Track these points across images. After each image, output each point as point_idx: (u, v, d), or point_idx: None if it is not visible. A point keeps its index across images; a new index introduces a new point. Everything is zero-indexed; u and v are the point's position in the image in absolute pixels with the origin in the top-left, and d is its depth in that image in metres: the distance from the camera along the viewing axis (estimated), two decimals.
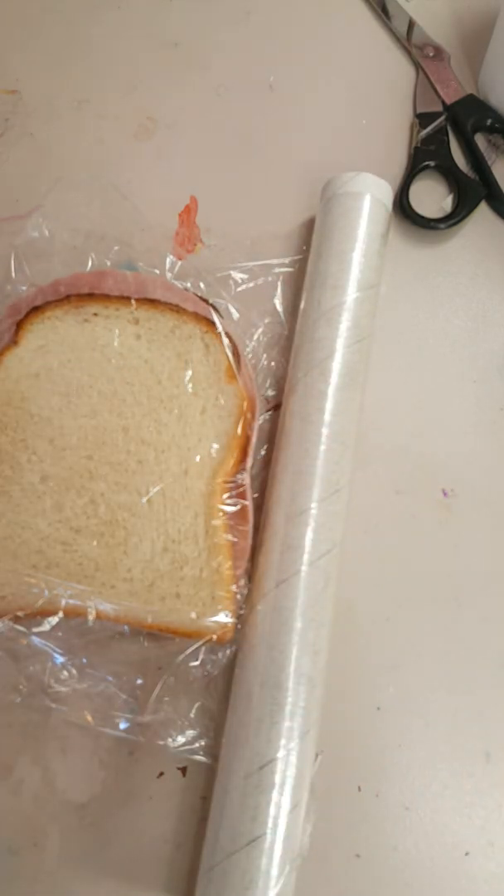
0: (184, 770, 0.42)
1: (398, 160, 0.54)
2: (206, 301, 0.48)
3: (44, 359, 0.46)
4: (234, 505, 0.44)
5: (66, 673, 0.42)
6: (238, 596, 0.42)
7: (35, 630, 0.42)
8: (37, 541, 0.43)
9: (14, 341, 0.46)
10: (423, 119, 0.54)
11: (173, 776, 0.42)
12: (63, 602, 0.42)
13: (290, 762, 0.38)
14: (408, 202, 0.52)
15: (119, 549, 0.43)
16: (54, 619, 0.42)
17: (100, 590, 0.42)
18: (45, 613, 0.42)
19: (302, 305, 0.48)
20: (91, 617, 0.41)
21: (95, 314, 0.46)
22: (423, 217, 0.51)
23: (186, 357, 0.46)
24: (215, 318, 0.47)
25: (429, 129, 0.54)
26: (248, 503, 0.44)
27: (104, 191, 0.51)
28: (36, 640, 0.42)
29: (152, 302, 0.47)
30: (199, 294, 0.48)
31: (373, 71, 0.57)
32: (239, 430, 0.45)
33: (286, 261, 0.51)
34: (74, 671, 0.42)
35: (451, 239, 0.53)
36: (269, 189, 0.54)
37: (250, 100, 0.56)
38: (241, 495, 0.44)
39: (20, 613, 0.42)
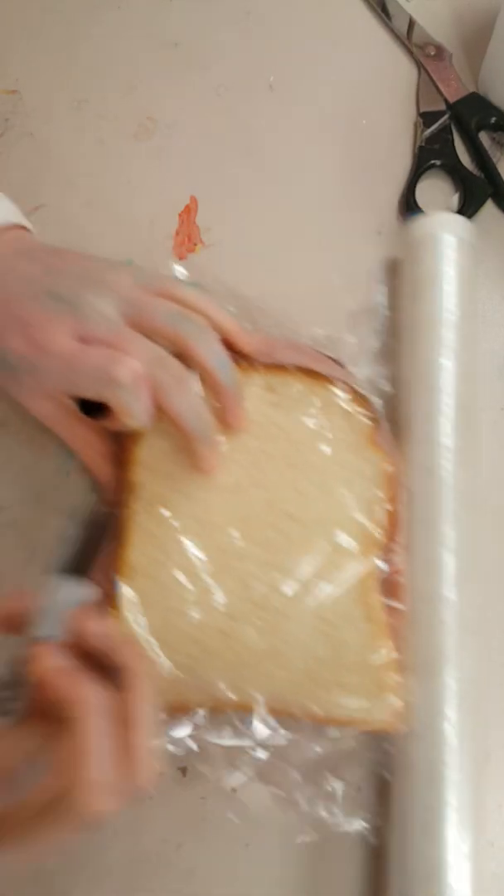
0: (184, 770, 0.42)
1: (401, 159, 0.54)
2: (336, 361, 0.46)
3: (175, 437, 0.43)
4: (390, 583, 0.42)
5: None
6: (403, 680, 0.40)
7: (192, 724, 0.40)
8: (192, 629, 0.40)
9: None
10: (426, 118, 0.54)
11: (173, 776, 0.42)
12: (225, 695, 0.39)
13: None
14: (414, 201, 0.52)
15: (276, 635, 0.40)
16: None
17: (261, 680, 0.40)
18: (209, 708, 0.40)
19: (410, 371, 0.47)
20: (259, 710, 0.39)
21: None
22: None
23: (324, 423, 0.44)
24: (351, 380, 0.44)
25: (433, 127, 0.54)
26: (404, 580, 0.42)
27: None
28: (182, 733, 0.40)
29: (282, 367, 0.44)
30: (328, 354, 0.46)
31: (373, 71, 0.57)
32: (388, 501, 0.43)
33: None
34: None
35: None
36: (270, 191, 0.53)
37: (250, 100, 0.56)
38: (396, 572, 0.42)
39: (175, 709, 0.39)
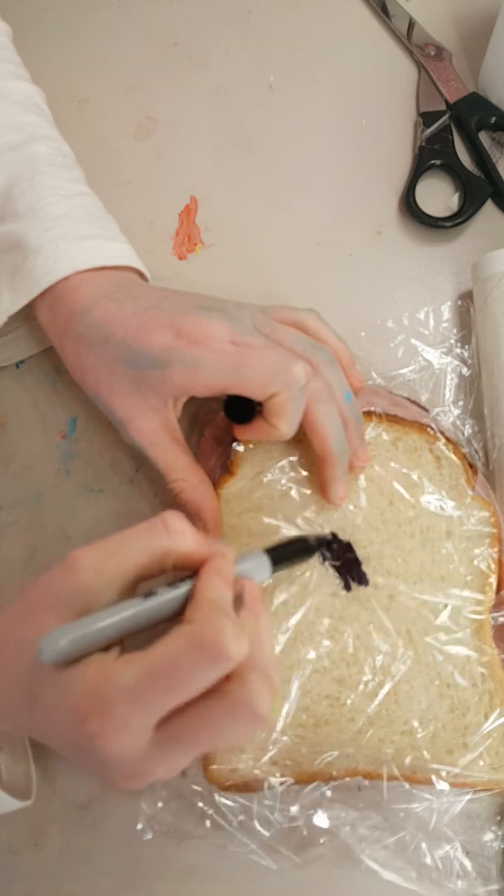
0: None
1: (402, 159, 0.54)
2: (419, 405, 0.45)
3: (263, 488, 0.42)
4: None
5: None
6: None
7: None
8: (302, 697, 0.39)
9: (230, 471, 0.42)
10: (426, 118, 0.54)
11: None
12: (343, 764, 0.38)
13: None
14: (414, 201, 0.52)
15: (389, 699, 0.39)
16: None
17: (378, 746, 0.39)
18: (322, 779, 0.39)
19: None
20: (392, 778, 0.38)
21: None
22: (429, 216, 0.51)
23: (416, 472, 0.42)
24: (439, 425, 0.43)
25: (433, 127, 0.53)
26: None
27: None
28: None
29: (367, 413, 0.43)
30: (407, 397, 0.45)
31: (373, 71, 0.56)
32: (494, 550, 0.41)
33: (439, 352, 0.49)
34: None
35: (458, 237, 0.52)
36: (270, 191, 0.53)
37: (250, 100, 0.56)
38: None
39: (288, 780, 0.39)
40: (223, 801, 0.40)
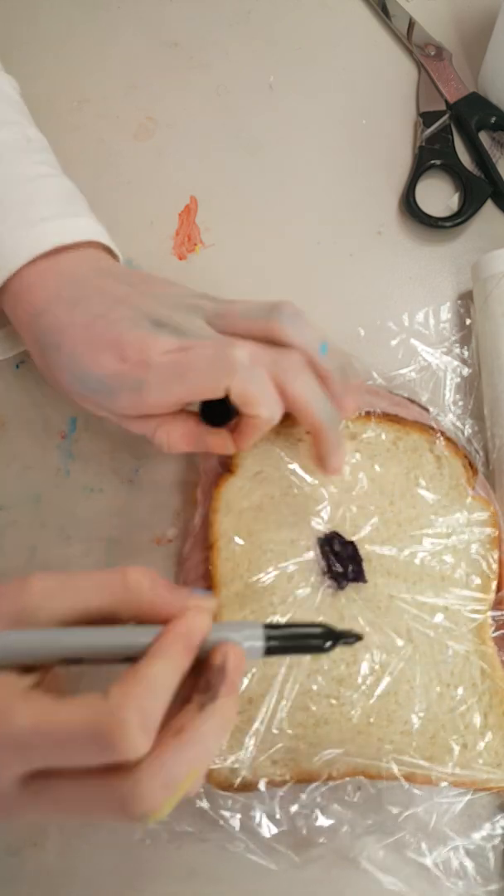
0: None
1: (402, 159, 0.54)
2: (420, 405, 0.45)
3: (263, 487, 0.42)
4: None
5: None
6: None
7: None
8: (301, 697, 0.39)
9: (230, 470, 0.42)
10: (426, 118, 0.54)
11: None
12: (342, 764, 0.38)
13: None
14: (414, 201, 0.52)
15: (389, 698, 0.39)
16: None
17: (377, 746, 0.38)
18: (322, 778, 0.39)
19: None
20: (391, 778, 0.38)
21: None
22: (429, 216, 0.51)
23: (416, 472, 0.42)
24: (440, 425, 0.43)
25: (433, 127, 0.53)
26: None
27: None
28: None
29: (367, 413, 0.42)
30: (407, 396, 0.45)
31: (373, 71, 0.56)
32: (494, 551, 0.41)
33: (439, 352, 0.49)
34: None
35: (458, 237, 0.52)
36: (270, 191, 0.53)
37: (250, 100, 0.56)
38: None
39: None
40: (223, 801, 0.40)
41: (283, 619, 0.40)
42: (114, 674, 0.29)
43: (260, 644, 0.32)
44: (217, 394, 0.37)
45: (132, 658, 0.30)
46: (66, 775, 0.29)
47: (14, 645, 0.30)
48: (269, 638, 0.32)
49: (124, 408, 0.39)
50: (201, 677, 0.31)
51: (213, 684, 0.30)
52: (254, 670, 0.40)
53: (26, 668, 0.30)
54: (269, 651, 0.32)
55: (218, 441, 0.40)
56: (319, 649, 0.33)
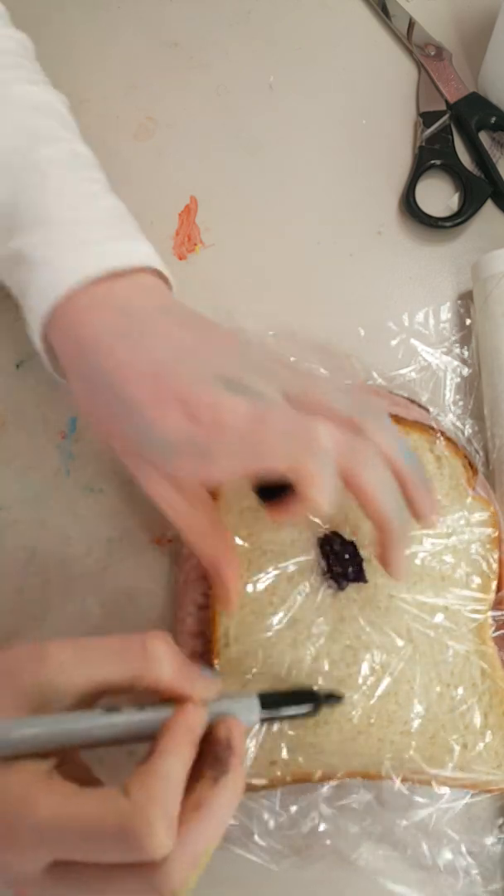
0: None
1: (402, 159, 0.54)
2: (421, 405, 0.44)
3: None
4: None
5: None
6: None
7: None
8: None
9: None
10: (426, 118, 0.54)
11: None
12: (342, 765, 0.38)
13: None
14: (414, 201, 0.52)
15: (389, 699, 0.39)
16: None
17: (378, 746, 0.38)
18: (322, 779, 0.38)
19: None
20: (391, 779, 0.38)
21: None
22: (429, 216, 0.51)
23: None
24: (440, 425, 0.43)
25: (433, 127, 0.53)
26: None
27: None
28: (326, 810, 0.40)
29: None
30: (408, 397, 0.45)
31: (373, 71, 0.56)
32: (494, 551, 0.41)
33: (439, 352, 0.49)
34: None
35: (458, 237, 0.52)
36: (270, 191, 0.53)
37: (250, 100, 0.56)
38: None
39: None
40: None
41: (283, 621, 0.40)
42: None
43: (256, 715, 0.34)
44: (284, 471, 0.34)
45: (141, 738, 0.31)
46: (91, 865, 0.29)
47: (35, 734, 0.30)
48: (263, 707, 0.34)
49: (183, 471, 0.36)
50: (207, 752, 0.32)
51: (222, 759, 0.31)
52: (254, 670, 0.40)
53: (45, 752, 0.30)
54: (263, 720, 0.35)
55: (228, 571, 0.39)
56: (310, 714, 0.37)
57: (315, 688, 0.38)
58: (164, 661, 0.31)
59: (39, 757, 0.30)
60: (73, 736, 0.30)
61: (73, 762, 0.32)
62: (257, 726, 0.38)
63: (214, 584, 0.39)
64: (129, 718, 0.31)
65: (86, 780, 0.32)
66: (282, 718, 0.36)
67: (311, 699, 0.37)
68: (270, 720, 0.35)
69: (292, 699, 0.37)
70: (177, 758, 0.30)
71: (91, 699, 0.32)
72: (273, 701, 0.35)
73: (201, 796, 0.30)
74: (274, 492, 0.36)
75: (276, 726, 0.39)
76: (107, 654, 0.31)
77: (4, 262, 0.40)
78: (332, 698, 0.38)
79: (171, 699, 0.32)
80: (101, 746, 0.31)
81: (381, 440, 0.36)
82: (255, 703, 0.34)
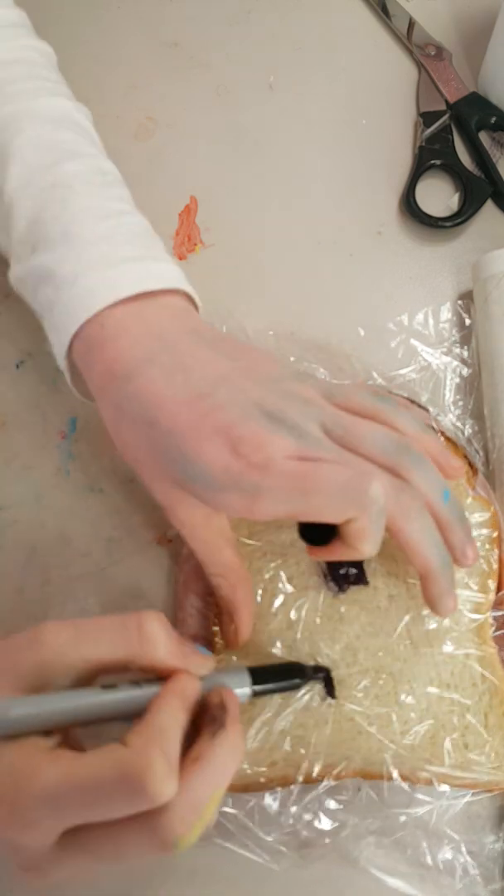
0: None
1: (402, 159, 0.54)
2: (420, 406, 0.44)
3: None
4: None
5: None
6: None
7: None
8: (300, 696, 0.39)
9: None
10: (426, 118, 0.54)
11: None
12: (342, 765, 0.38)
13: None
14: (414, 201, 0.52)
15: (389, 699, 0.39)
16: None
17: (377, 746, 0.38)
18: (322, 779, 0.38)
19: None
20: (392, 779, 0.38)
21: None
22: (429, 216, 0.51)
23: None
24: (440, 425, 0.43)
25: (433, 127, 0.53)
26: None
27: None
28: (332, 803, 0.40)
29: None
30: (407, 397, 0.45)
31: (373, 71, 0.57)
32: (495, 551, 0.41)
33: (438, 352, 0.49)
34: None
35: (458, 237, 0.52)
36: (270, 191, 0.53)
37: (250, 100, 0.56)
38: None
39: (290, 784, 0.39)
40: (223, 801, 0.40)
41: (283, 621, 0.40)
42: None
43: (247, 688, 0.35)
44: (332, 521, 0.34)
45: (139, 714, 0.31)
46: (98, 826, 0.29)
47: (34, 712, 0.30)
48: (254, 682, 0.35)
49: (228, 509, 0.35)
50: (204, 719, 0.32)
51: (217, 718, 0.32)
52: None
53: (46, 731, 0.31)
54: (255, 693, 0.36)
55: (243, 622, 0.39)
56: (298, 686, 0.38)
57: (302, 663, 0.39)
58: (160, 641, 0.32)
59: (40, 736, 0.30)
60: (72, 713, 0.31)
61: (73, 745, 0.32)
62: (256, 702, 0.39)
63: (225, 624, 0.40)
64: (126, 695, 0.32)
65: None
66: (271, 692, 0.37)
67: (300, 674, 0.38)
68: (261, 693, 0.36)
69: (281, 673, 0.38)
70: (171, 714, 0.30)
71: (88, 679, 0.32)
72: (262, 675, 0.36)
73: (200, 749, 0.31)
74: (316, 527, 0.36)
75: (277, 726, 0.39)
76: (103, 634, 0.32)
77: (30, 278, 0.39)
78: (320, 671, 0.39)
79: (167, 676, 0.32)
80: (100, 723, 0.32)
81: (424, 486, 0.36)
82: (245, 677, 0.35)
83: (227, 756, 0.31)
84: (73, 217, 0.39)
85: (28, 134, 0.41)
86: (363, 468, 0.34)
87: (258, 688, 0.36)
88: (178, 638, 0.33)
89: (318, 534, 0.37)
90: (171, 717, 0.30)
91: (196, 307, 0.41)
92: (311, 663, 0.39)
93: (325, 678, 0.39)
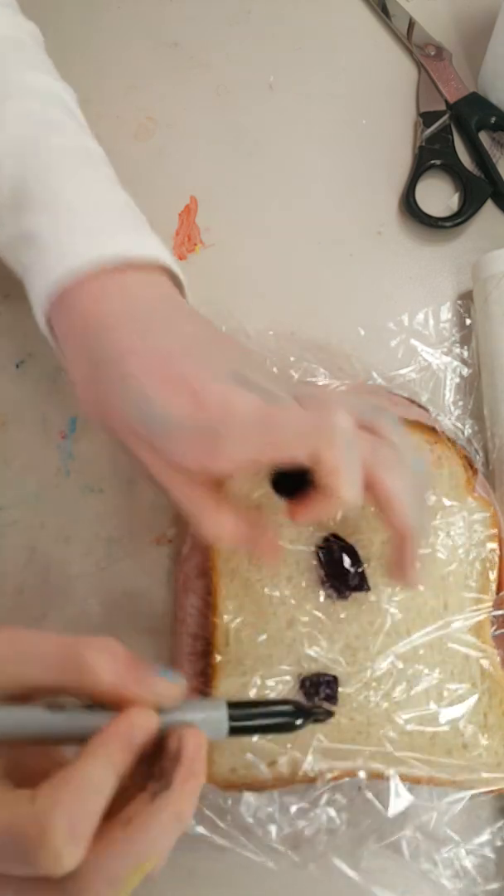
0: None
1: (402, 159, 0.54)
2: (421, 406, 0.45)
3: (263, 487, 0.41)
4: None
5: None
6: None
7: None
8: (299, 696, 0.39)
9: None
10: (426, 118, 0.54)
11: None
12: (342, 764, 0.38)
13: None
14: (414, 201, 0.52)
15: (389, 699, 0.39)
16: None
17: (377, 745, 0.38)
18: (321, 779, 0.38)
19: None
20: (391, 778, 0.38)
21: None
22: (429, 216, 0.51)
23: None
24: (440, 425, 0.43)
25: (433, 127, 0.53)
26: None
27: None
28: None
29: None
30: (408, 397, 0.45)
31: (373, 71, 0.56)
32: (494, 550, 0.41)
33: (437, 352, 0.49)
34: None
35: (458, 237, 0.52)
36: (270, 191, 0.53)
37: (250, 100, 0.56)
38: None
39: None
40: (223, 801, 0.40)
41: (283, 620, 0.40)
42: None
43: (224, 725, 0.30)
44: (303, 459, 0.32)
45: (84, 741, 0.28)
46: (6, 878, 0.26)
47: None
48: (233, 717, 0.30)
49: (187, 457, 0.33)
50: (157, 764, 0.29)
51: (166, 772, 0.28)
52: (254, 670, 0.40)
53: None
54: (234, 731, 0.30)
55: (268, 544, 0.36)
56: (290, 727, 0.31)
57: (296, 701, 0.33)
58: (103, 671, 0.28)
59: None
60: (4, 732, 0.28)
61: (28, 760, 0.29)
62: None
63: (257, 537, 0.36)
64: (70, 719, 0.28)
65: (42, 776, 0.28)
66: (255, 731, 0.32)
67: (291, 714, 0.31)
68: (242, 732, 0.30)
69: (269, 711, 0.31)
70: (102, 762, 0.27)
71: (22, 697, 0.29)
72: (246, 711, 0.31)
73: (134, 811, 0.27)
74: (291, 490, 0.34)
75: None
76: (38, 657, 0.28)
77: (12, 242, 0.39)
78: (315, 714, 0.32)
79: (122, 706, 0.29)
80: (42, 745, 0.29)
81: (398, 443, 0.34)
82: (222, 713, 0.30)
83: (163, 825, 0.27)
84: (60, 185, 0.39)
85: (16, 104, 0.41)
86: (329, 406, 0.33)
87: (237, 724, 0.30)
88: (135, 664, 0.29)
89: (293, 490, 0.35)
90: (100, 769, 0.27)
91: (183, 293, 0.40)
92: (306, 704, 0.34)
93: (325, 714, 0.33)
